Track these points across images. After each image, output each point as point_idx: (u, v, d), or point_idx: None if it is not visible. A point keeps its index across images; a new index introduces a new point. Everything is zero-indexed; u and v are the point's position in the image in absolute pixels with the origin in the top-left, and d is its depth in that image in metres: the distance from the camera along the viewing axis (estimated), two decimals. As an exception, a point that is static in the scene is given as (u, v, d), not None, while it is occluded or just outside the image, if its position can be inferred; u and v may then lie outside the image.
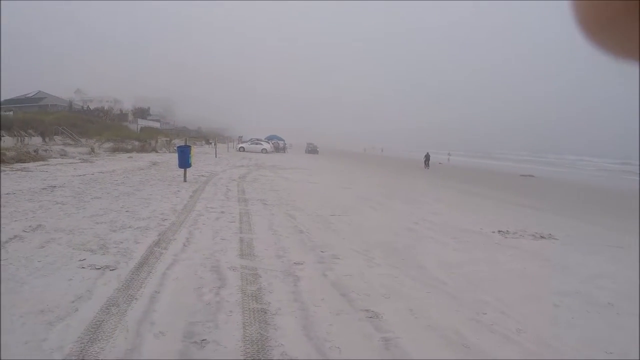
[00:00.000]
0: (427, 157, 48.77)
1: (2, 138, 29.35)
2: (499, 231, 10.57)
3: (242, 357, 3.84)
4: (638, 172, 53.49)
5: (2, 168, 18.55)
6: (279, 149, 69.11)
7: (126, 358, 3.72)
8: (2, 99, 73.51)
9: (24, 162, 21.95)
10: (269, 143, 65.26)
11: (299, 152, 73.90)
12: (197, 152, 36.28)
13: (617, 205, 22.84)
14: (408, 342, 4.29)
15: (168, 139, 54.11)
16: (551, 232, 10.81)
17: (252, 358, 3.83)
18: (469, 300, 5.61)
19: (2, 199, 10.95)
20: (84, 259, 6.38)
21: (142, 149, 40.86)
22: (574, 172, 61.79)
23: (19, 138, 31.72)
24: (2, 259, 6.24)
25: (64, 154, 28.73)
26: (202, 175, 20.38)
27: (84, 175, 18.06)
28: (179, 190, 14.52)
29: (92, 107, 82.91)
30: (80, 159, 26.93)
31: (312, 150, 76.12)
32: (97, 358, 3.67)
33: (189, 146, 17.83)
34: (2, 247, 6.78)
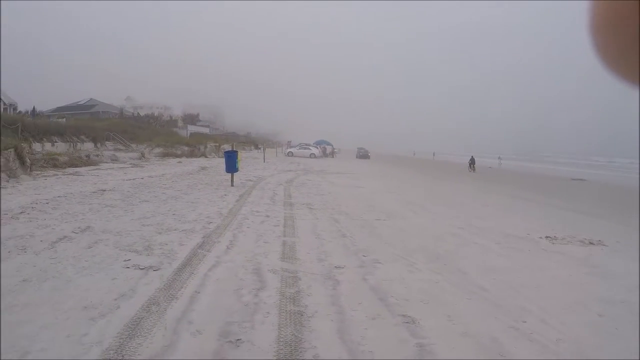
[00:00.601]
0: (472, 161, 49.36)
1: (56, 144, 30.20)
2: (547, 237, 10.30)
3: (274, 358, 3.87)
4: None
5: (55, 172, 19.15)
6: (327, 153, 68.98)
7: (162, 355, 3.79)
8: (56, 107, 75.93)
9: (76, 166, 22.58)
10: (317, 148, 65.30)
11: (349, 157, 72.75)
12: (246, 157, 36.71)
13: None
14: (442, 349, 4.24)
15: (217, 144, 54.72)
16: (601, 239, 10.45)
17: (285, 359, 3.85)
18: (509, 308, 5.49)
19: (54, 202, 11.30)
20: (129, 259, 6.55)
21: (191, 154, 41.37)
22: (626, 175, 59.85)
23: (72, 144, 32.56)
24: (51, 257, 6.46)
25: (114, 159, 29.40)
26: (250, 180, 20.56)
27: (133, 179, 18.49)
28: (225, 194, 14.70)
29: (142, 113, 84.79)
30: (130, 164, 27.59)
31: (363, 155, 74.25)
32: (124, 358, 3.76)
33: (236, 151, 18.04)
34: (51, 247, 7.01)
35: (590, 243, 9.98)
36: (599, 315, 5.53)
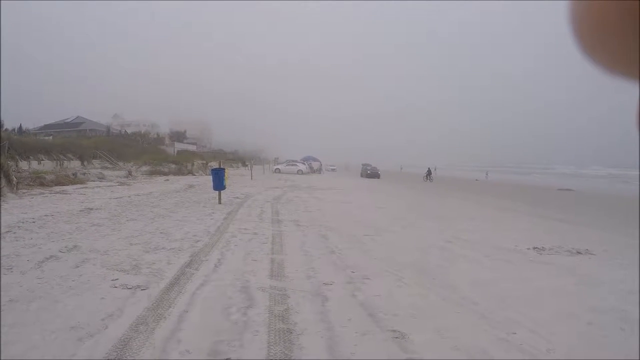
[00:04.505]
0: (429, 172, 56.33)
1: (42, 162, 30.06)
2: (535, 248, 10.38)
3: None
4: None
5: (42, 190, 19.04)
6: (314, 170, 69.11)
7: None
8: (43, 124, 75.70)
9: (63, 185, 22.50)
10: (304, 164, 65.43)
11: (344, 174, 70.53)
12: (234, 174, 36.74)
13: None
14: (433, 363, 4.25)
15: (204, 161, 54.69)
16: (588, 248, 10.57)
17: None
18: (499, 320, 5.50)
19: (40, 221, 11.23)
20: (117, 279, 6.51)
21: (178, 172, 41.41)
22: (616, 185, 60.35)
23: (58, 162, 32.44)
24: (38, 277, 6.41)
25: (101, 177, 29.34)
26: (237, 197, 20.52)
27: (120, 197, 18.44)
28: (213, 212, 14.66)
29: (129, 131, 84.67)
30: (117, 182, 27.52)
31: (371, 174, 61.25)
32: (109, 358, 3.74)
33: (223, 168, 18.01)
34: (38, 267, 6.96)
35: (578, 252, 10.08)
36: (588, 324, 5.55)
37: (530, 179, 75.59)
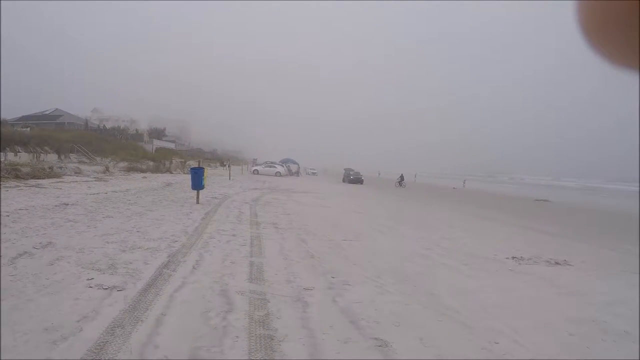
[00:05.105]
0: (402, 178, 59.50)
1: (19, 154, 29.60)
2: (513, 257, 10.46)
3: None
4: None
5: (16, 184, 18.71)
6: (292, 172, 69.10)
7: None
8: (21, 115, 74.73)
9: (39, 178, 22.14)
10: (283, 166, 65.32)
11: (325, 178, 69.23)
12: (212, 174, 36.45)
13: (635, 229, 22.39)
14: (416, 372, 4.20)
15: (183, 160, 54.35)
16: (566, 258, 10.71)
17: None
18: (481, 329, 5.48)
19: (15, 215, 10.99)
20: (92, 278, 6.35)
21: (156, 170, 41.07)
22: (593, 197, 61.17)
23: (35, 154, 31.98)
24: (10, 274, 6.23)
25: (78, 172, 28.95)
26: (215, 198, 20.37)
27: (97, 193, 18.16)
28: (191, 212, 14.50)
29: (108, 126, 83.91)
30: (94, 178, 27.13)
31: (354, 179, 59.28)
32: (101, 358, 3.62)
33: (203, 168, 17.84)
34: (11, 263, 6.77)
35: (557, 263, 10.19)
36: (570, 334, 5.59)
37: (503, 188, 76.27)
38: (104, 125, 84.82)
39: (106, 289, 5.94)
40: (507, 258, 10.38)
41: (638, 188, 63.92)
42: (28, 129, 50.65)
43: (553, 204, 40.10)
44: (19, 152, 30.57)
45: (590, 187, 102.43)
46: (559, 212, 31.37)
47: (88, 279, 6.30)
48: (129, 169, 37.39)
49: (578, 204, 43.06)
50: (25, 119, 74.17)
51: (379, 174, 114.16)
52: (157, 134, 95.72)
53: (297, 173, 72.48)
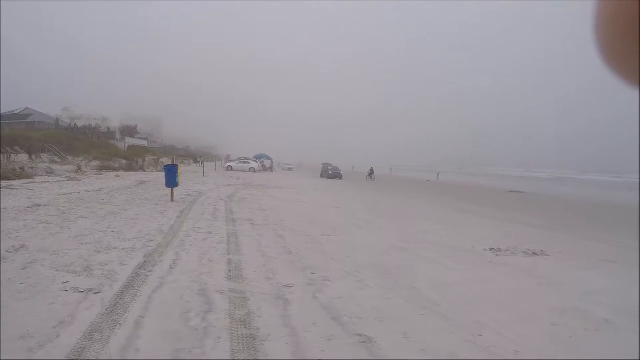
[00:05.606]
0: (372, 171, 60.21)
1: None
2: (491, 249, 10.52)
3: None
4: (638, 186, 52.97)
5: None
6: (266, 168, 69.01)
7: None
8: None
9: (9, 179, 21.69)
10: (257, 162, 65.11)
11: (309, 174, 67.26)
12: (185, 171, 36.17)
13: (613, 219, 22.69)
14: (403, 368, 4.18)
15: (156, 157, 53.86)
16: (543, 249, 10.79)
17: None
18: (464, 322, 5.47)
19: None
20: (67, 282, 6.19)
21: (129, 168, 40.68)
22: (566, 188, 62.15)
23: (5, 155, 31.38)
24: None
25: (50, 172, 28.47)
26: (190, 195, 20.20)
27: (70, 193, 17.84)
28: (165, 210, 14.33)
29: (79, 124, 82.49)
30: (66, 177, 26.70)
31: (333, 174, 57.36)
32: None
33: (176, 165, 17.68)
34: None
35: (534, 254, 10.27)
36: (552, 324, 5.62)
37: (477, 180, 77.00)
38: (75, 124, 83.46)
39: (82, 292, 5.79)
40: (484, 250, 10.44)
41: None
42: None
43: (527, 195, 40.58)
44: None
45: (562, 177, 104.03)
46: (534, 203, 31.72)
47: (63, 282, 6.15)
48: (102, 168, 36.91)
49: (552, 195, 43.67)
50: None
51: (353, 168, 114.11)
52: (129, 131, 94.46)
53: (271, 168, 72.41)
